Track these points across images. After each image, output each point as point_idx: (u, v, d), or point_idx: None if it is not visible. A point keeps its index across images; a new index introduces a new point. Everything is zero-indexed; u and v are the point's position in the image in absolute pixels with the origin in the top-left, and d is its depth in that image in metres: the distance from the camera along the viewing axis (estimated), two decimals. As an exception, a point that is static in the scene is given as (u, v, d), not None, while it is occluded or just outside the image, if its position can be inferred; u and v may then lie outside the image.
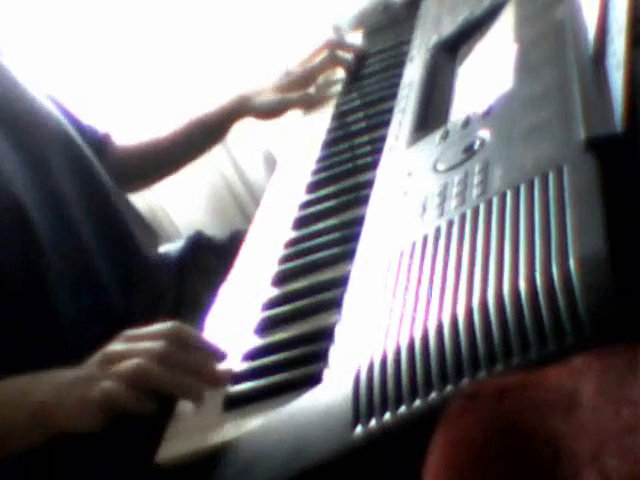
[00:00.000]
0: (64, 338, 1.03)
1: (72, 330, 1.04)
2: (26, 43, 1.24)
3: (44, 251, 1.03)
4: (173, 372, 0.83)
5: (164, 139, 1.36)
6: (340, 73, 1.40)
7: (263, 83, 1.36)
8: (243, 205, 2.01)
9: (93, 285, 1.09)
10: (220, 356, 0.88)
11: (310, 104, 1.37)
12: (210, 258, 1.30)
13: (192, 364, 0.85)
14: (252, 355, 0.89)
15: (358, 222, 0.96)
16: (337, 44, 1.40)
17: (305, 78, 1.36)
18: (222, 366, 0.87)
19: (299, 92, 1.35)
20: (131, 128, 1.43)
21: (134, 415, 0.83)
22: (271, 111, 1.35)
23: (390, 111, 1.16)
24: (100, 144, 1.29)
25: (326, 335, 0.83)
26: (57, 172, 1.10)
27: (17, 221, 1.02)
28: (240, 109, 1.35)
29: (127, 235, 1.18)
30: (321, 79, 1.39)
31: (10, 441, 0.89)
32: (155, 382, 0.83)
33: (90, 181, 1.15)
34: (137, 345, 0.86)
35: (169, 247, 1.33)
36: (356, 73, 1.37)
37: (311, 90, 1.38)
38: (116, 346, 0.87)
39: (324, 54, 1.37)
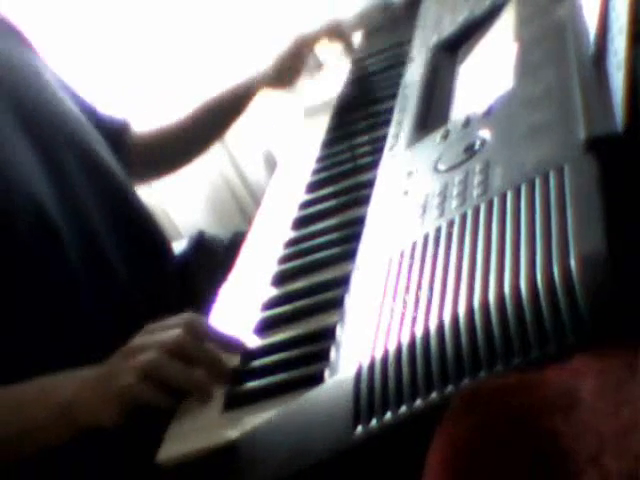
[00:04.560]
0: (85, 332, 1.04)
1: (93, 324, 1.04)
2: (38, 37, 1.24)
3: (64, 248, 1.04)
4: (184, 366, 0.85)
5: (182, 122, 1.37)
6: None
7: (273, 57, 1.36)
8: (243, 205, 2.01)
9: (109, 278, 1.10)
10: (237, 346, 0.89)
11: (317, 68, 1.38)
12: (212, 258, 1.30)
13: (204, 356, 0.87)
14: (252, 355, 0.89)
15: (358, 222, 0.96)
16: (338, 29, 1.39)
17: (300, 46, 1.35)
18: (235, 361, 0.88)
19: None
20: (140, 119, 1.43)
21: (152, 409, 0.84)
22: (284, 78, 1.36)
23: (390, 111, 1.16)
24: (118, 134, 1.29)
25: (326, 335, 0.83)
26: (71, 172, 1.11)
27: (37, 219, 1.02)
28: (258, 82, 1.35)
29: (142, 232, 1.19)
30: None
31: (37, 440, 0.90)
32: (167, 375, 0.85)
33: (105, 181, 1.15)
34: (154, 337, 0.88)
35: (172, 246, 1.33)
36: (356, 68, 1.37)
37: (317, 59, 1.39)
38: (137, 340, 0.89)
39: (323, 25, 1.37)
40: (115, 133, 1.28)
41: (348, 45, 1.39)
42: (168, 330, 0.88)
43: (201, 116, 1.37)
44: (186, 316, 0.90)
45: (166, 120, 1.37)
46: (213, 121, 1.39)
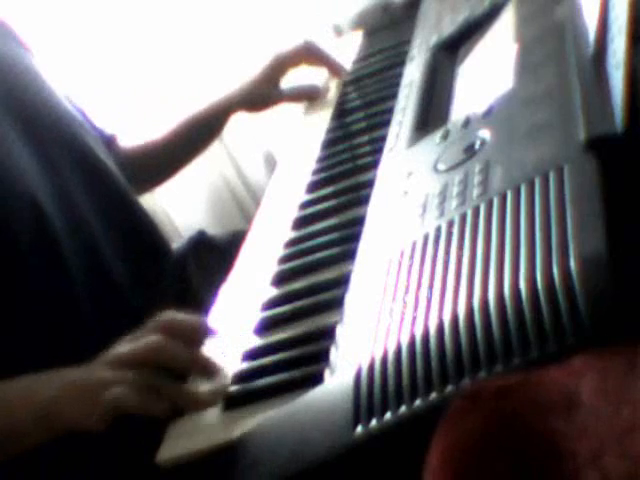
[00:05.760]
0: (83, 333, 1.04)
1: (91, 324, 1.04)
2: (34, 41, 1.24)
3: (60, 246, 1.04)
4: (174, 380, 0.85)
5: (163, 140, 1.37)
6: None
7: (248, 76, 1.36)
8: (243, 205, 2.01)
9: (108, 280, 1.10)
10: (208, 331, 0.91)
11: (299, 97, 1.38)
12: (212, 257, 1.30)
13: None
14: (252, 355, 0.89)
15: (358, 222, 0.96)
16: (313, 50, 1.36)
17: (275, 69, 1.34)
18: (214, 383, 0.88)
19: (276, 84, 1.35)
20: (130, 127, 1.43)
21: (143, 417, 0.84)
22: (261, 103, 1.35)
23: (390, 111, 1.16)
24: (107, 145, 1.29)
25: (326, 335, 0.83)
26: (69, 173, 1.11)
27: (33, 216, 1.02)
28: (233, 103, 1.35)
29: (141, 234, 1.19)
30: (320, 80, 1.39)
31: (17, 440, 0.89)
32: (160, 383, 0.84)
33: (103, 182, 1.15)
34: (139, 343, 0.87)
35: (172, 246, 1.33)
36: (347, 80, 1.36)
37: (305, 83, 1.38)
38: (123, 347, 0.88)
39: (297, 46, 1.34)
40: (103, 145, 1.28)
41: (330, 65, 1.36)
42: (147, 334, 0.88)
43: (181, 134, 1.36)
44: (159, 318, 0.90)
45: (149, 135, 1.37)
46: (194, 141, 1.39)
